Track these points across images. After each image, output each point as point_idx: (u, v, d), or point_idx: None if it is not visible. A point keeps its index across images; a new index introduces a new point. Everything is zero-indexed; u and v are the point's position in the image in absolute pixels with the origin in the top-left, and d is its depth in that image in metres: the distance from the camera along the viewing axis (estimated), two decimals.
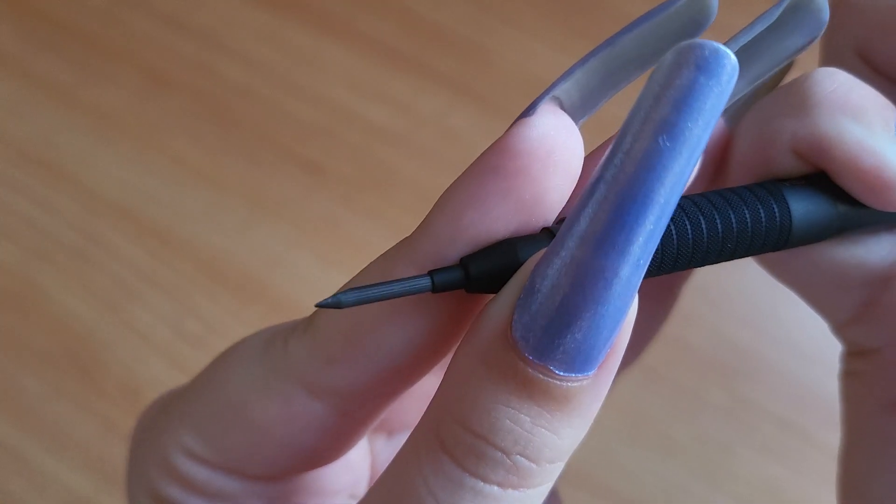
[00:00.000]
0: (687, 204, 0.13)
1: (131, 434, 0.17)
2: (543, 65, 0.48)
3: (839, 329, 0.16)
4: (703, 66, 0.10)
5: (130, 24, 0.49)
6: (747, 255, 0.14)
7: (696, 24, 0.12)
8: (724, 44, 0.12)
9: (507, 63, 0.48)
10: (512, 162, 0.12)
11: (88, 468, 0.36)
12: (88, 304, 0.40)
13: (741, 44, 0.14)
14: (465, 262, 0.12)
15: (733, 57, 0.10)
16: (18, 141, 0.45)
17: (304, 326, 0.14)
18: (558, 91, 0.13)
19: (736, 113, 0.16)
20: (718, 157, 0.16)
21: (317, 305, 0.12)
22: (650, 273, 0.13)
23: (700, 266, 0.14)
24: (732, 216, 0.13)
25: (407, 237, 0.13)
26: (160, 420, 0.15)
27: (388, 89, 0.47)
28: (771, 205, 0.14)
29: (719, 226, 0.13)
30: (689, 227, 0.13)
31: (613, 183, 0.10)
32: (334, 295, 0.12)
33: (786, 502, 0.35)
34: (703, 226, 0.13)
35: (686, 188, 0.14)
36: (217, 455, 0.14)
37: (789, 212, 0.14)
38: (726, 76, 0.10)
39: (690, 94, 0.10)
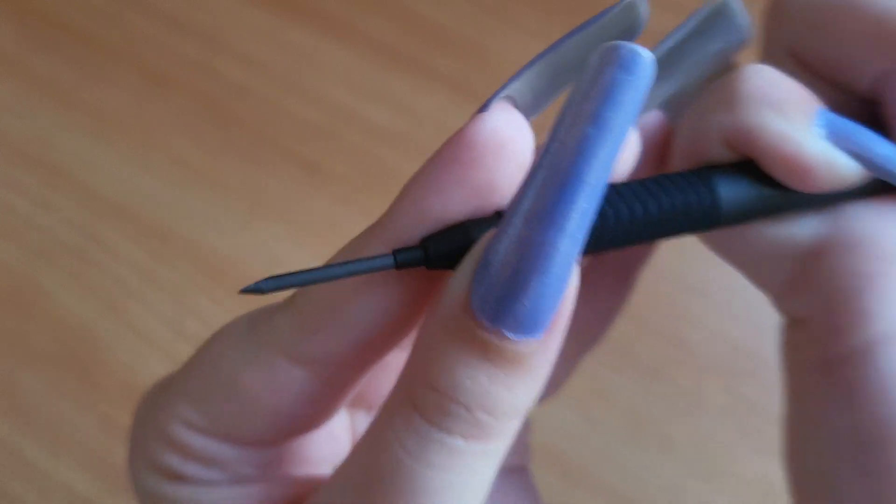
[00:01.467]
0: (624, 188, 0.15)
1: (133, 414, 0.18)
2: None
3: (776, 301, 0.18)
4: (623, 64, 0.12)
5: (131, 24, 0.49)
6: (682, 235, 0.15)
7: (630, 30, 0.14)
8: (652, 49, 0.14)
9: (506, 63, 0.48)
10: (467, 153, 0.14)
11: (88, 467, 0.36)
12: (88, 304, 0.40)
13: (665, 48, 0.16)
14: (424, 242, 0.14)
15: (649, 56, 0.12)
16: (18, 141, 0.45)
17: (286, 303, 0.15)
18: (510, 90, 0.14)
19: (679, 109, 0.18)
20: (662, 149, 0.18)
21: (240, 291, 0.13)
22: (595, 250, 0.15)
23: (638, 244, 0.15)
24: (664, 199, 0.15)
25: (376, 221, 0.15)
26: (158, 397, 0.17)
27: (387, 89, 0.47)
28: (700, 189, 0.15)
29: (652, 207, 0.15)
30: (625, 208, 0.15)
31: (550, 168, 0.12)
32: (256, 283, 0.14)
33: (785, 502, 0.35)
34: (638, 207, 0.15)
35: (631, 176, 0.16)
36: (211, 423, 0.16)
37: (718, 195, 0.15)
38: (643, 73, 0.12)
39: (612, 89, 0.12)
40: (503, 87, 0.14)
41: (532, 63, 0.14)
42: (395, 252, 0.14)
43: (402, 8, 0.50)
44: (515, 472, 0.22)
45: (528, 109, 0.15)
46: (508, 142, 0.14)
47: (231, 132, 0.45)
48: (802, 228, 0.16)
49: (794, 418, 0.17)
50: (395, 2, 0.50)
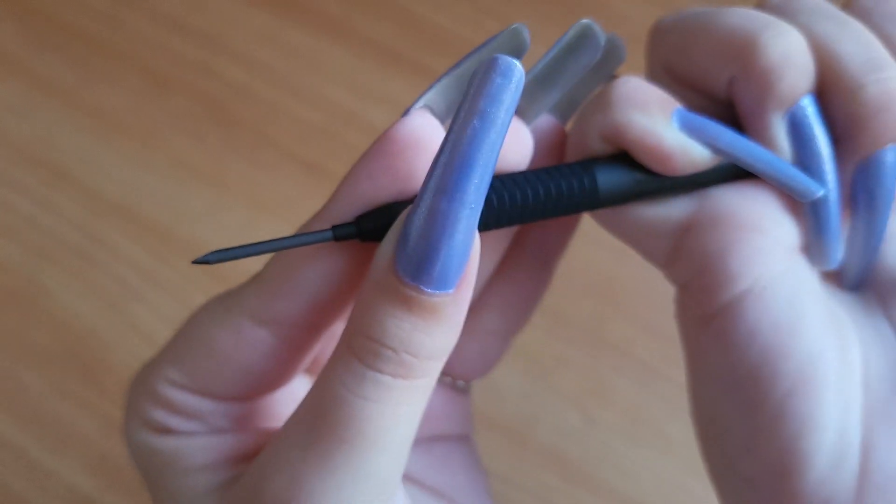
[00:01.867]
0: (520, 175, 0.19)
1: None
2: None
3: (663, 271, 0.21)
4: (501, 71, 0.15)
5: (132, 25, 0.49)
6: (568, 214, 0.19)
7: (516, 50, 0.19)
8: (533, 64, 0.20)
9: None
10: (392, 147, 0.17)
11: (90, 467, 0.36)
12: (90, 304, 0.40)
13: (544, 62, 0.21)
14: (358, 219, 0.17)
15: (520, 66, 0.15)
16: (20, 141, 0.45)
17: (254, 275, 0.19)
18: (426, 100, 0.18)
19: (569, 115, 0.22)
20: (558, 147, 0.21)
21: (192, 262, 0.16)
22: (497, 224, 0.18)
23: (531, 221, 0.19)
24: (552, 183, 0.19)
25: (323, 205, 0.18)
26: (149, 364, 0.20)
27: (387, 90, 0.47)
28: (581, 175, 0.19)
29: (542, 190, 0.18)
30: (519, 190, 0.18)
31: (449, 153, 0.15)
32: (205, 255, 0.17)
33: None
34: (531, 189, 0.18)
35: (528, 166, 0.20)
36: (191, 380, 0.19)
37: (596, 180, 0.19)
38: (516, 78, 0.15)
39: (493, 90, 0.15)
40: (420, 97, 0.18)
41: (441, 78, 0.19)
42: (334, 227, 0.17)
43: (401, 9, 0.50)
44: (459, 440, 0.25)
45: (441, 115, 0.18)
46: (424, 139, 0.17)
47: (231, 132, 0.45)
48: (674, 208, 0.20)
49: (689, 373, 0.21)
50: (394, 3, 0.50)
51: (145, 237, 0.42)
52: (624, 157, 0.19)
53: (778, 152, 0.19)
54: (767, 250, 0.19)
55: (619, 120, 0.19)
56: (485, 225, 0.18)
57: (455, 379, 0.25)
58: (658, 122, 0.19)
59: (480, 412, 0.38)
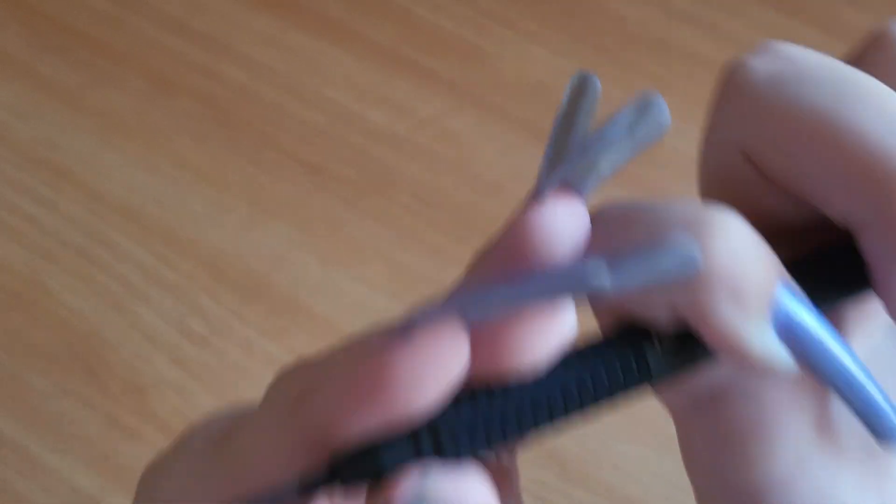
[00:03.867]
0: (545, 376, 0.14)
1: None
2: (542, 68, 0.48)
3: (672, 417, 0.17)
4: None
5: (135, 28, 0.49)
6: (600, 408, 0.15)
7: (656, 127, 0.14)
8: (584, 137, 0.14)
9: (506, 66, 0.48)
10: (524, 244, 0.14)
11: (93, 466, 0.36)
12: (93, 304, 0.40)
13: (599, 138, 0.14)
14: (333, 464, 0.13)
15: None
16: (24, 143, 0.45)
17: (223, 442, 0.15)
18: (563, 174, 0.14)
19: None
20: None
21: None
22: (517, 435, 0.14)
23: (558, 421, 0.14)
24: (587, 378, 0.14)
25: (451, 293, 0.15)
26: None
27: (388, 92, 0.47)
28: (630, 365, 0.14)
29: (574, 389, 0.14)
30: (545, 401, 0.14)
31: None
32: None
33: None
34: (560, 394, 0.14)
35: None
36: None
37: (649, 370, 0.14)
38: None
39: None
40: (550, 170, 0.14)
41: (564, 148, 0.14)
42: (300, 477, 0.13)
43: (402, 11, 0.50)
44: None
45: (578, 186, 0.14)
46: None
47: (234, 134, 0.45)
48: (705, 372, 0.16)
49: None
50: (395, 5, 0.50)
51: (147, 238, 0.42)
52: (688, 335, 0.15)
53: None
54: (804, 436, 0.15)
55: (705, 307, 0.14)
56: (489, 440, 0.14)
57: None
58: (751, 322, 0.14)
59: None
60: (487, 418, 0.14)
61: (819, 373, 0.14)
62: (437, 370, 0.13)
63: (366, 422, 0.13)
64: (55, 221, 0.42)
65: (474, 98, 0.47)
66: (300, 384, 0.13)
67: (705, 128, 0.16)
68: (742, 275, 0.13)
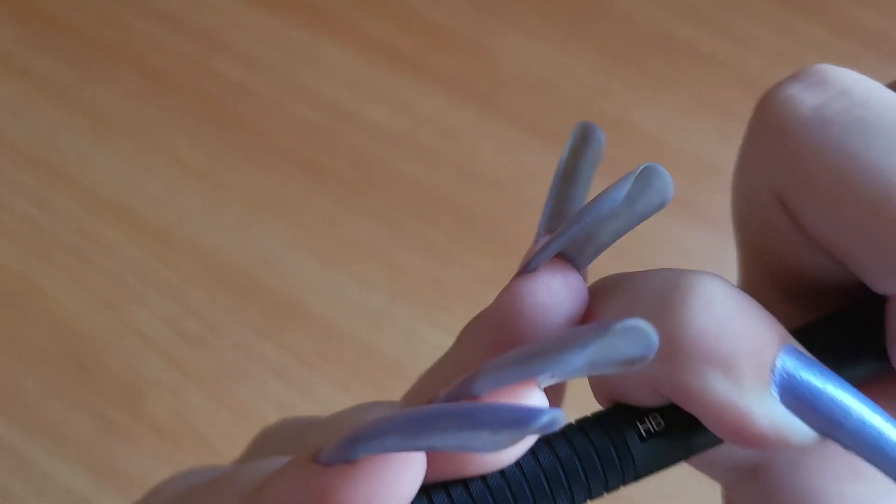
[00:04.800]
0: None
1: None
2: (544, 65, 0.48)
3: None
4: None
5: (130, 23, 0.49)
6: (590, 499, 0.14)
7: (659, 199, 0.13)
8: (588, 209, 0.13)
9: (507, 63, 0.48)
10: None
11: (88, 468, 0.36)
12: (88, 304, 0.40)
13: (602, 208, 0.13)
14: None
15: None
16: (17, 141, 0.45)
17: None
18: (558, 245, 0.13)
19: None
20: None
21: None
22: None
23: None
24: (557, 465, 0.13)
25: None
26: None
27: (387, 89, 0.47)
28: (613, 459, 0.13)
29: (540, 475, 0.13)
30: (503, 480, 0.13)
31: None
32: None
33: None
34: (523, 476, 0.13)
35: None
36: None
37: (634, 463, 0.13)
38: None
39: None
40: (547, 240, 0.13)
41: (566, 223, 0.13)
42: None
43: (401, 7, 0.50)
44: None
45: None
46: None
47: (231, 132, 0.45)
48: (734, 450, 0.14)
49: None
50: (394, 1, 0.50)
51: (143, 237, 0.42)
52: (677, 411, 0.13)
53: None
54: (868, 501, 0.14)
55: (688, 382, 0.12)
56: None
57: None
58: (748, 392, 0.12)
59: None
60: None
61: (844, 441, 0.13)
62: (386, 495, 0.12)
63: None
64: (49, 220, 0.42)
65: (475, 95, 0.47)
66: (258, 476, 0.13)
67: (738, 158, 0.14)
68: (729, 343, 0.12)
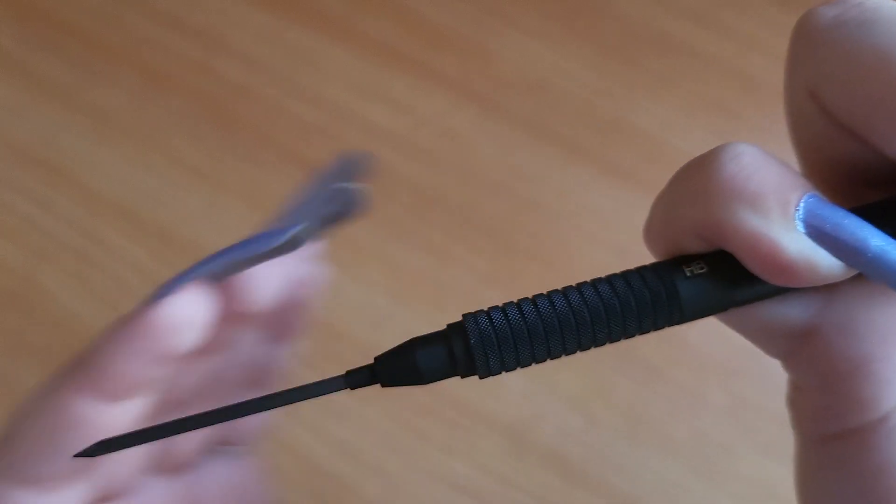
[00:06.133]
0: (576, 288, 0.15)
1: None
2: (543, 66, 0.48)
3: (782, 365, 0.17)
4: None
5: (131, 24, 0.49)
6: (646, 332, 0.16)
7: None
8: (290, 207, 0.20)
9: (507, 63, 0.48)
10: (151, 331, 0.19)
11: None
12: (89, 304, 0.40)
13: (298, 205, 0.19)
14: (375, 362, 0.16)
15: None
16: (19, 141, 0.45)
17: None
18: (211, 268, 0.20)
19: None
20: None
21: (73, 456, 0.17)
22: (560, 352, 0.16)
23: (594, 345, 0.15)
24: (615, 296, 0.15)
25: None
26: None
27: (388, 89, 0.47)
28: (659, 288, 0.15)
29: (600, 303, 0.15)
30: (572, 316, 0.15)
31: None
32: (88, 447, 0.16)
33: (785, 502, 0.35)
34: (581, 303, 0.15)
35: None
36: None
37: (678, 295, 0.15)
38: None
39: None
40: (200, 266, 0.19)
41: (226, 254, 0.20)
42: (347, 373, 0.16)
43: (401, 8, 0.50)
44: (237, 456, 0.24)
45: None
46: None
47: (231, 132, 0.45)
48: (794, 307, 0.16)
49: (798, 477, 0.17)
50: (394, 2, 0.50)
51: (144, 237, 0.42)
52: (724, 257, 0.15)
53: None
54: None
55: (722, 219, 0.14)
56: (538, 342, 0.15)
57: (233, 445, 0.24)
58: (775, 224, 0.14)
59: (480, 412, 0.38)
60: (515, 326, 0.15)
61: (867, 268, 0.14)
62: (188, 318, 0.18)
63: (143, 359, 0.18)
64: (51, 221, 0.42)
65: (475, 96, 0.47)
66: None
67: (784, 74, 0.16)
68: (756, 184, 0.14)
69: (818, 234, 0.14)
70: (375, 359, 0.16)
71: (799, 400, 0.17)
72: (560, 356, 0.15)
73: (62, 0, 0.50)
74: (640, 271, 0.15)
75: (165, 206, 0.43)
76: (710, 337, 0.39)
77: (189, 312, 0.18)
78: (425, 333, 0.16)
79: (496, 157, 0.45)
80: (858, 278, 0.15)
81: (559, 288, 0.15)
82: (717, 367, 0.39)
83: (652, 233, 0.16)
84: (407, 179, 0.44)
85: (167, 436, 0.16)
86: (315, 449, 0.37)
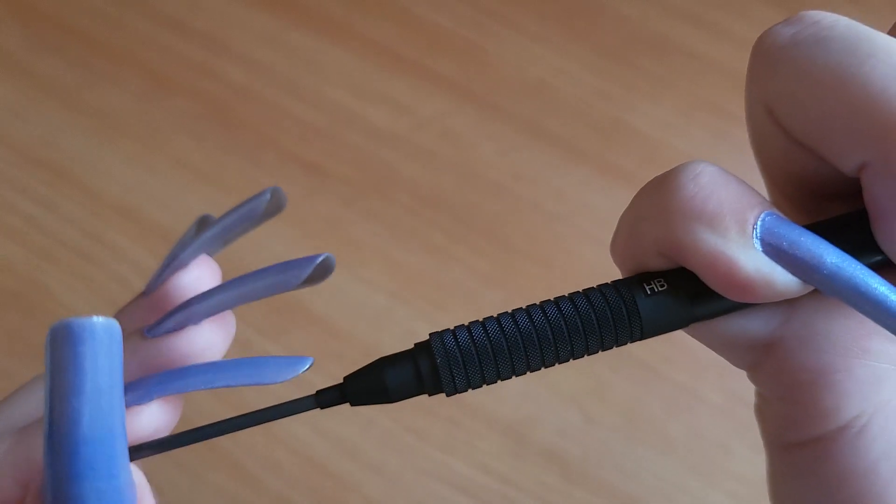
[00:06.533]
0: (535, 311, 0.16)
1: None
2: (543, 67, 0.48)
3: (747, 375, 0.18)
4: (74, 340, 0.13)
5: (133, 26, 0.49)
6: (606, 348, 0.16)
7: (275, 210, 0.19)
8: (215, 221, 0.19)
9: (506, 65, 0.48)
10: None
11: None
12: (92, 304, 0.40)
13: (222, 224, 0.19)
14: (345, 381, 0.16)
15: (101, 322, 0.14)
16: (21, 142, 0.45)
17: None
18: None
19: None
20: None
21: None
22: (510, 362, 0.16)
23: (558, 362, 0.16)
24: (576, 313, 0.15)
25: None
26: None
27: (388, 91, 0.47)
28: (619, 304, 0.15)
29: (561, 320, 0.15)
30: (535, 334, 0.15)
31: (52, 447, 0.13)
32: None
33: None
34: (545, 319, 0.15)
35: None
36: None
37: (639, 316, 0.15)
38: (99, 338, 0.14)
39: (76, 362, 0.13)
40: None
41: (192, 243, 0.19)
42: (318, 393, 0.16)
43: (401, 10, 0.50)
44: None
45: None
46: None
47: (233, 134, 0.45)
48: (755, 321, 0.16)
49: (769, 477, 0.18)
50: (394, 4, 0.50)
51: (146, 238, 0.42)
52: (685, 274, 0.15)
53: None
54: (873, 380, 0.15)
55: (682, 238, 0.15)
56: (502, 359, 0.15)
57: None
58: (733, 242, 0.14)
59: (480, 412, 0.38)
60: (480, 345, 0.15)
61: (823, 285, 0.15)
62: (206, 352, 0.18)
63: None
64: (54, 221, 0.42)
65: (474, 97, 0.47)
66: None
67: (745, 93, 0.17)
68: (714, 204, 0.15)
69: (775, 251, 0.15)
70: (345, 378, 0.16)
71: (764, 409, 0.17)
72: (525, 373, 0.16)
73: (65, 2, 0.50)
74: (602, 289, 0.16)
75: (167, 206, 0.43)
76: None
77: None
78: (392, 353, 0.16)
79: (495, 158, 0.45)
80: (818, 292, 0.15)
81: (523, 307, 0.16)
82: (714, 366, 0.39)
83: (617, 248, 0.17)
84: (407, 180, 0.44)
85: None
86: (315, 448, 0.37)
